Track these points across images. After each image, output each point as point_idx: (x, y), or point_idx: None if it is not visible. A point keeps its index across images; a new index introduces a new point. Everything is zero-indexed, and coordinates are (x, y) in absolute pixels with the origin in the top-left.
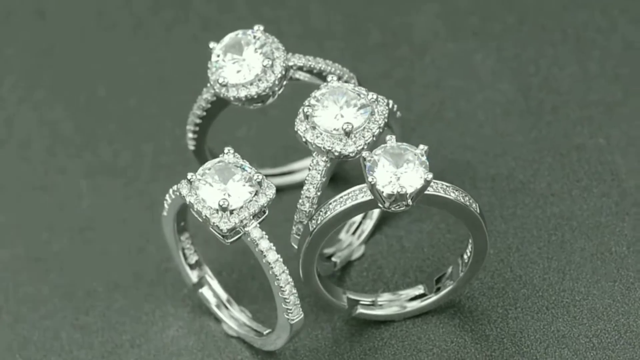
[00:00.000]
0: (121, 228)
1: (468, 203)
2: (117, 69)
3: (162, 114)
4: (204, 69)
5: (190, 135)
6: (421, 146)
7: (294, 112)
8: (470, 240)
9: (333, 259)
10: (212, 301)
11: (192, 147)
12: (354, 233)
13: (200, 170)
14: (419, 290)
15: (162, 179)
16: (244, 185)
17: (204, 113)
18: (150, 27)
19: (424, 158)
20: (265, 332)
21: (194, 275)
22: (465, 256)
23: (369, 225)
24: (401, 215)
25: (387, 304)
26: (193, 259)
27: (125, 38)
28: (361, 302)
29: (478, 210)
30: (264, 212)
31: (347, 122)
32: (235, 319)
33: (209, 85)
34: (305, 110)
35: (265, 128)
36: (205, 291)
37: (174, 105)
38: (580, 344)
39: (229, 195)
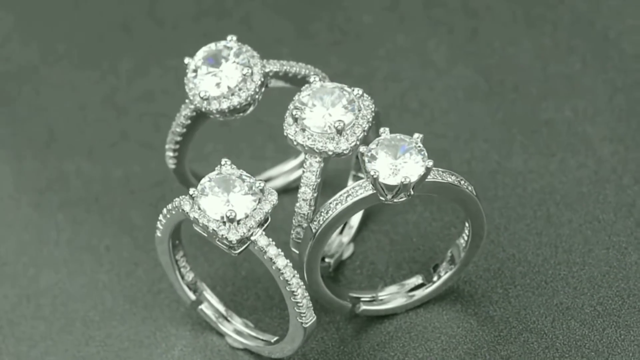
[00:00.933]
0: (105, 255)
1: (464, 186)
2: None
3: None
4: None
5: (170, 154)
6: (416, 135)
7: (254, 121)
8: (466, 224)
9: (326, 259)
10: (213, 316)
11: (172, 166)
12: (341, 232)
13: (200, 185)
14: (419, 280)
15: (137, 203)
16: (246, 195)
17: (184, 130)
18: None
19: (420, 146)
20: (273, 340)
21: (191, 293)
22: (462, 240)
23: (355, 222)
24: (383, 210)
25: (388, 298)
26: (190, 276)
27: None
28: (362, 299)
29: (474, 193)
30: (267, 219)
31: (339, 120)
32: (239, 331)
33: (187, 101)
34: (293, 113)
35: (231, 141)
36: (205, 308)
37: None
38: (586, 313)
39: (233, 206)
